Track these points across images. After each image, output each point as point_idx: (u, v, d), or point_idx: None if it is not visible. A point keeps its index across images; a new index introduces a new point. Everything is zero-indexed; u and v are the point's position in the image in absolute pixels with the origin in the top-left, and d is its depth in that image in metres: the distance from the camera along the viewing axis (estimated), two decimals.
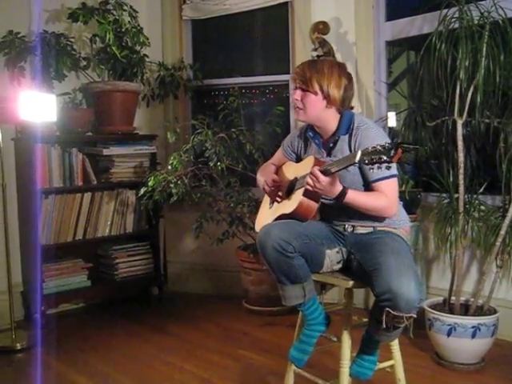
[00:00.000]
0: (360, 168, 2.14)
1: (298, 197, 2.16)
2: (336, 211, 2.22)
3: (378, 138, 2.10)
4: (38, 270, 3.48)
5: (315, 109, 2.20)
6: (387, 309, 1.91)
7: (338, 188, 2.04)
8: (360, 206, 2.10)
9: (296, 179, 2.27)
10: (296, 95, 2.22)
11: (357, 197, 2.09)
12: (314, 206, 2.15)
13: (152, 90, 4.15)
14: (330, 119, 2.22)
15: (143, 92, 4.11)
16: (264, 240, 2.11)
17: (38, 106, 3.21)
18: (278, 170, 2.48)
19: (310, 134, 2.30)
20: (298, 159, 2.41)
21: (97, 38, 3.79)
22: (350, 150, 2.17)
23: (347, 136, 2.19)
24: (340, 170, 1.97)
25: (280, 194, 2.33)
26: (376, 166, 1.80)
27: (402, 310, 1.89)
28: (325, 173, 2.00)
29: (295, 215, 2.16)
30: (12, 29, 3.54)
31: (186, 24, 4.31)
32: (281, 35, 4.00)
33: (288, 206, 2.21)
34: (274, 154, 2.58)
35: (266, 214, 2.39)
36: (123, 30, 3.75)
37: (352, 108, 2.32)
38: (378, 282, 1.94)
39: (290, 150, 2.44)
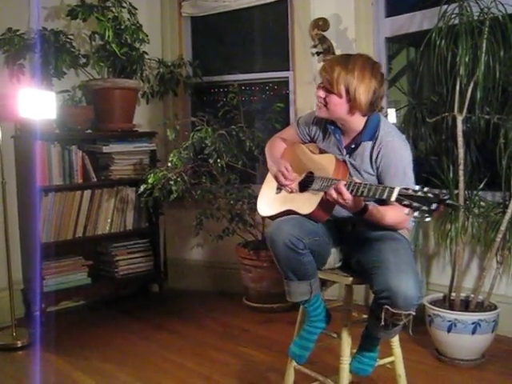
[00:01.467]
0: (378, 176, 2.10)
1: (314, 202, 2.10)
2: (338, 208, 2.20)
3: (403, 160, 2.06)
4: (38, 267, 3.48)
5: (338, 111, 2.10)
6: (386, 306, 1.91)
7: (361, 205, 1.98)
8: (376, 221, 2.05)
9: (312, 175, 2.20)
10: (319, 93, 2.11)
11: (375, 214, 2.02)
12: (329, 213, 2.11)
13: (151, 87, 4.15)
14: (354, 121, 2.13)
15: (143, 89, 4.10)
16: (275, 236, 2.08)
17: (38, 103, 3.20)
18: (288, 151, 2.38)
19: (332, 127, 2.21)
20: (311, 142, 2.34)
21: (96, 36, 3.78)
22: (371, 160, 2.12)
23: (370, 143, 2.12)
24: (369, 197, 1.89)
25: (293, 186, 2.24)
26: (413, 212, 1.69)
27: (401, 307, 1.89)
28: (351, 192, 1.92)
29: (306, 217, 2.13)
30: (11, 26, 3.53)
31: (186, 21, 4.30)
32: (280, 32, 3.99)
33: (301, 206, 2.15)
34: (285, 129, 2.49)
35: (273, 201, 2.32)
36: (122, 27, 3.74)
37: (381, 110, 2.20)
38: (376, 280, 1.94)
39: (306, 132, 2.34)
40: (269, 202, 2.35)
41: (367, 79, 2.05)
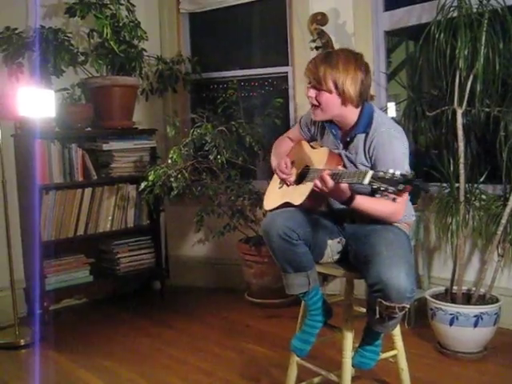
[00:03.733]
0: (372, 168, 2.09)
1: (305, 192, 2.14)
2: (336, 202, 2.21)
3: (394, 149, 2.07)
4: (39, 266, 3.48)
5: (332, 107, 2.12)
6: (379, 299, 1.91)
7: (346, 194, 2.00)
8: (366, 211, 2.06)
9: (308, 168, 2.25)
10: (310, 93, 2.14)
11: (364, 203, 2.04)
12: (320, 203, 2.16)
13: (151, 84, 4.14)
14: (348, 114, 2.15)
15: (142, 86, 4.10)
16: (268, 227, 2.11)
17: (37, 101, 3.21)
18: (294, 148, 2.44)
19: (328, 123, 2.24)
20: (314, 140, 2.40)
21: (94, 33, 3.77)
22: (365, 151, 2.13)
23: (364, 135, 2.14)
24: (348, 183, 1.93)
25: (291, 179, 2.30)
26: (381, 194, 1.73)
27: (394, 300, 1.89)
28: (334, 178, 1.96)
29: (301, 207, 2.17)
30: (9, 25, 3.52)
31: (184, 17, 4.30)
32: (279, 27, 3.98)
33: (296, 196, 2.21)
34: (291, 128, 2.54)
35: (276, 194, 2.38)
36: (121, 24, 3.74)
37: (372, 97, 2.23)
38: (369, 273, 1.94)
39: (307, 129, 2.39)
40: (272, 196, 2.41)
41: (352, 71, 2.09)
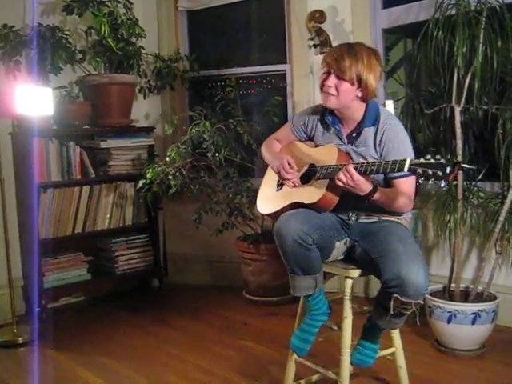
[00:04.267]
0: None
1: (321, 189, 2.10)
2: (341, 201, 2.19)
3: (406, 140, 2.10)
4: (37, 264, 3.48)
5: (349, 97, 2.12)
6: (395, 295, 1.92)
7: (369, 187, 2.00)
8: (384, 203, 2.07)
9: (314, 166, 2.20)
10: (330, 82, 2.10)
11: (384, 195, 2.05)
12: (336, 199, 2.11)
13: (149, 81, 4.14)
14: (357, 108, 2.16)
15: (140, 84, 4.09)
16: (284, 231, 2.07)
17: (35, 99, 3.20)
18: (286, 149, 2.38)
19: (329, 118, 2.22)
20: (309, 140, 2.35)
21: (92, 31, 3.76)
22: (375, 144, 2.13)
23: (372, 128, 2.14)
24: (379, 173, 1.92)
25: (295, 180, 2.24)
26: (430, 180, 1.73)
27: (411, 296, 1.90)
28: (360, 172, 1.95)
29: (314, 206, 2.12)
30: (7, 22, 3.52)
31: (182, 15, 4.29)
32: (277, 25, 3.98)
33: (308, 196, 2.14)
34: (279, 130, 2.48)
35: (275, 198, 2.31)
36: (118, 21, 3.73)
37: (376, 94, 2.22)
38: (386, 269, 1.94)
39: (302, 129, 2.34)
40: (270, 199, 2.34)
41: (374, 66, 2.10)
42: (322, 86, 2.15)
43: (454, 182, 2.91)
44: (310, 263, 2.10)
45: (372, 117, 2.15)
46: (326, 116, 2.23)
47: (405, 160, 1.79)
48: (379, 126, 2.13)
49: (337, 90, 2.10)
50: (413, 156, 2.06)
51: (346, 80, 2.08)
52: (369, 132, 2.15)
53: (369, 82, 2.08)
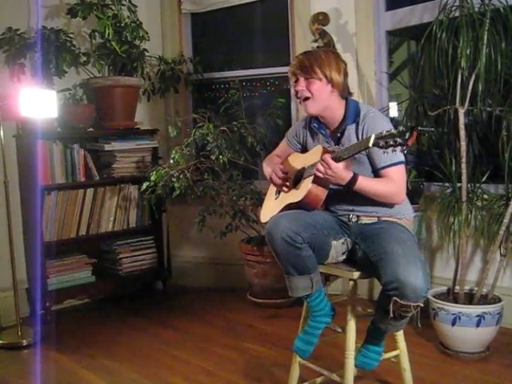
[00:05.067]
0: (368, 155, 2.14)
1: (306, 185, 2.16)
2: (341, 201, 2.22)
3: (387, 125, 2.11)
4: (41, 266, 3.49)
5: (323, 95, 2.19)
6: (395, 298, 1.92)
7: (349, 174, 2.05)
8: (370, 192, 2.11)
9: (304, 169, 2.27)
10: (300, 86, 2.21)
11: (367, 183, 2.09)
12: (323, 194, 2.14)
13: (152, 84, 4.14)
14: (336, 107, 2.22)
15: (144, 87, 4.10)
16: (273, 231, 2.10)
17: (39, 102, 3.21)
18: (284, 161, 2.47)
19: (315, 125, 2.30)
20: (304, 150, 2.41)
21: (96, 34, 3.77)
22: (357, 139, 2.16)
23: (354, 125, 2.19)
24: (352, 155, 1.97)
25: (287, 183, 2.33)
26: (390, 149, 1.80)
27: (410, 298, 1.90)
28: (336, 159, 2.00)
29: (303, 204, 2.15)
30: (11, 25, 3.53)
31: (186, 17, 4.30)
32: (281, 27, 3.98)
33: (296, 195, 2.20)
34: (278, 146, 2.57)
35: (273, 205, 2.38)
36: (122, 24, 3.74)
37: (351, 94, 2.31)
38: (385, 271, 1.94)
39: (295, 140, 2.43)
40: (270, 208, 2.41)
41: (334, 61, 2.21)
42: (296, 95, 2.26)
43: (458, 185, 2.91)
44: (302, 262, 2.11)
45: (352, 115, 2.21)
46: (312, 123, 2.32)
47: (369, 137, 1.86)
48: (359, 121, 2.19)
49: (309, 91, 2.19)
50: None
51: (313, 78, 2.18)
52: (351, 129, 2.20)
53: (333, 76, 2.17)
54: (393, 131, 1.80)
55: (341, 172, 2.02)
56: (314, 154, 2.22)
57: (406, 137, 1.77)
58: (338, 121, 2.23)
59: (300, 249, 2.08)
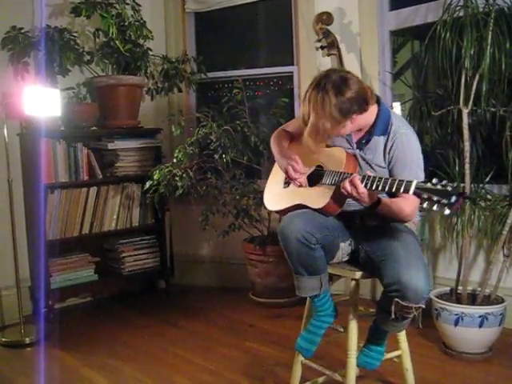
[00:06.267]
0: (391, 169, 2.11)
1: (326, 196, 2.09)
2: (346, 202, 2.19)
3: (415, 151, 2.08)
4: (44, 264, 3.49)
5: (349, 129, 2.09)
6: (396, 299, 1.92)
7: (374, 198, 1.98)
8: (387, 215, 2.05)
9: (322, 168, 2.20)
10: (348, 131, 2.11)
11: (387, 207, 2.01)
12: (339, 208, 2.11)
13: (156, 83, 4.14)
14: (366, 119, 2.11)
15: (147, 85, 4.10)
16: (287, 230, 2.08)
17: (43, 101, 3.21)
18: (294, 141, 2.37)
19: None
20: None
21: (100, 33, 3.78)
22: (384, 153, 2.12)
23: (382, 138, 2.12)
24: (383, 190, 1.86)
25: (302, 180, 2.23)
26: (432, 206, 1.68)
27: (411, 300, 1.90)
28: (365, 184, 1.91)
29: (318, 211, 2.12)
30: (15, 24, 3.54)
31: (189, 16, 4.30)
32: (284, 26, 3.98)
33: (313, 201, 2.14)
34: (291, 121, 2.47)
35: (281, 196, 2.31)
36: (126, 23, 3.74)
37: (375, 97, 2.15)
38: (386, 273, 1.94)
39: None
40: (276, 196, 2.35)
41: (321, 109, 2.01)
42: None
43: (462, 185, 2.90)
44: (314, 263, 2.10)
45: (383, 125, 2.12)
46: None
47: (411, 182, 1.75)
48: (390, 135, 2.11)
49: (338, 135, 2.12)
50: (421, 167, 2.07)
51: (344, 127, 2.04)
52: (379, 141, 2.13)
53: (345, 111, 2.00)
54: (439, 187, 1.68)
55: (366, 197, 1.95)
56: (336, 157, 2.14)
57: (452, 201, 1.65)
58: (367, 126, 2.15)
59: (313, 249, 2.06)
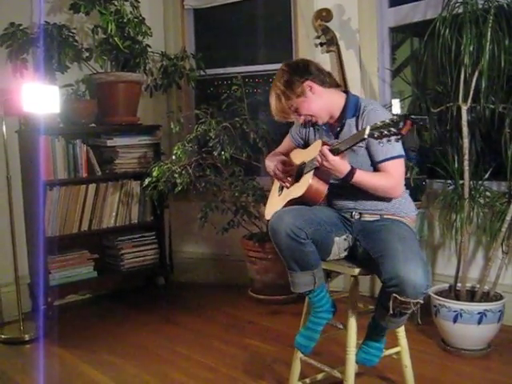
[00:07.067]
0: (367, 148, 2.14)
1: (307, 179, 2.17)
2: (344, 198, 2.22)
3: (387, 116, 2.09)
4: (43, 261, 3.49)
5: (318, 104, 2.20)
6: (394, 295, 1.92)
7: (347, 167, 2.05)
8: (367, 185, 2.11)
9: (304, 163, 2.28)
10: (300, 119, 2.25)
11: (364, 176, 2.10)
12: (324, 188, 2.15)
13: (155, 80, 4.14)
14: (335, 98, 2.23)
15: (146, 82, 4.10)
16: (276, 226, 2.11)
17: (41, 97, 3.21)
18: (287, 156, 2.48)
19: None
20: (306, 146, 2.41)
21: (99, 29, 3.77)
22: (358, 130, 2.16)
23: (354, 119, 2.19)
24: (350, 147, 1.99)
25: (289, 179, 2.34)
26: (385, 140, 1.81)
27: (410, 295, 1.90)
28: (334, 152, 2.02)
29: (305, 199, 2.16)
30: (14, 21, 3.53)
31: (188, 13, 4.29)
32: (283, 23, 3.98)
33: (298, 190, 2.21)
34: (281, 144, 2.58)
35: (276, 201, 2.39)
36: (125, 20, 3.73)
37: (340, 86, 2.33)
38: (385, 268, 1.95)
39: (299, 136, 2.44)
40: (273, 205, 2.41)
41: (291, 71, 2.24)
42: (306, 125, 2.34)
43: (461, 182, 2.91)
44: (306, 258, 2.12)
45: (353, 107, 2.21)
46: None
47: (365, 128, 1.88)
48: (359, 114, 2.18)
49: (307, 114, 2.22)
50: None
51: (294, 104, 2.19)
52: (351, 123, 2.20)
53: (305, 87, 2.17)
54: (386, 121, 1.81)
55: (338, 164, 2.03)
56: (314, 148, 2.23)
57: (400, 126, 1.77)
58: (337, 114, 2.23)
59: (303, 244, 2.08)
